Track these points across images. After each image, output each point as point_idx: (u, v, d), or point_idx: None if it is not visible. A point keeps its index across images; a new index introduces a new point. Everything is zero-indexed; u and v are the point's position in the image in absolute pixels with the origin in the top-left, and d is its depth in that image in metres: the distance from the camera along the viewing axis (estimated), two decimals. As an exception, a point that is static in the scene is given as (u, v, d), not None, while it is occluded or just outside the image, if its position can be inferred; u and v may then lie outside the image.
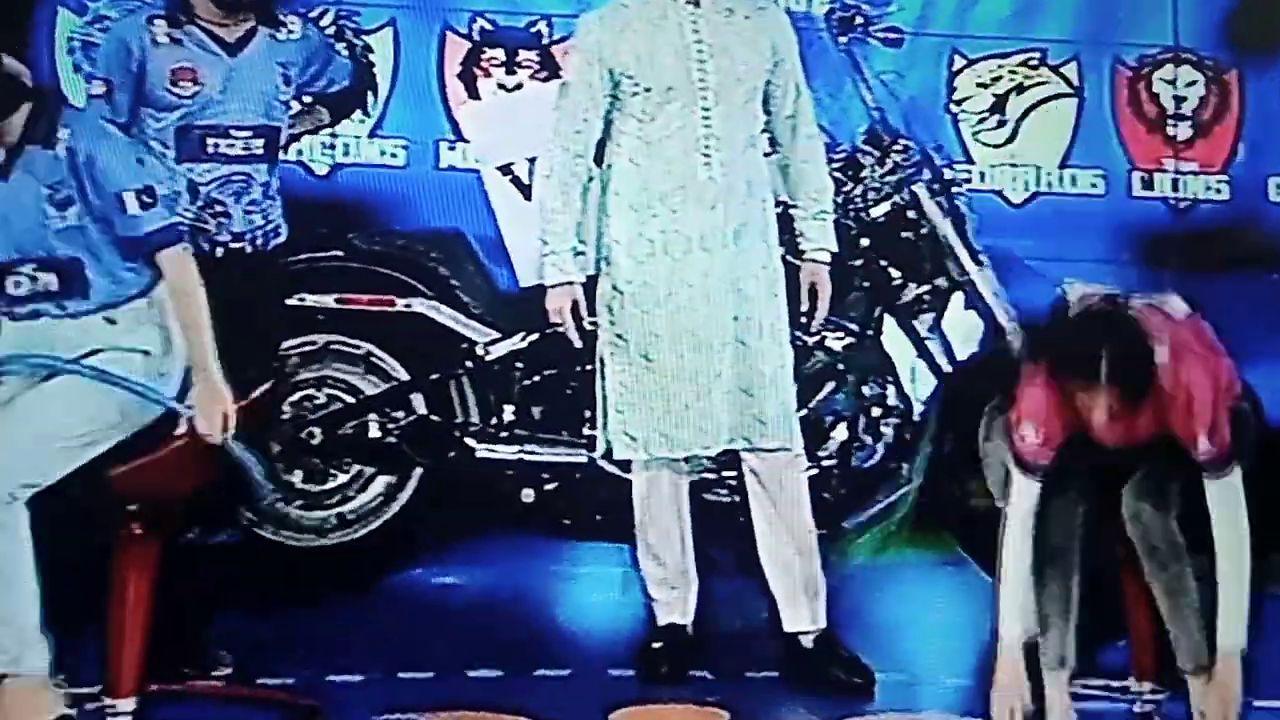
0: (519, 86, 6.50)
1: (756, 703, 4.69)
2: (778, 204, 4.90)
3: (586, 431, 5.33)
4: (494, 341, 5.55)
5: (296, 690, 4.59)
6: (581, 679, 4.81)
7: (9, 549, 3.99)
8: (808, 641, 4.82)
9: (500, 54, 6.54)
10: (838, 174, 5.37)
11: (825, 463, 5.45)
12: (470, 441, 5.52)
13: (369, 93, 5.43)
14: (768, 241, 4.82)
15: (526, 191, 5.58)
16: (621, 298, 4.78)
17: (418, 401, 5.55)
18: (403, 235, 5.83)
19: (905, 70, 5.99)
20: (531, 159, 5.45)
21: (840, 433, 5.49)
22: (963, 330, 5.58)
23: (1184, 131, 6.86)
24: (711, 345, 4.74)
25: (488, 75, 6.54)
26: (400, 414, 5.53)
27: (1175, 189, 6.84)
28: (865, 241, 5.52)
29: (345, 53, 5.38)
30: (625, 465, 4.95)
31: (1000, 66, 6.80)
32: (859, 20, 5.58)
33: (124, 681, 4.15)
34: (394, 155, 6.49)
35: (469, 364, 5.55)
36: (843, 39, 5.58)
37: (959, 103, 6.76)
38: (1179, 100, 6.86)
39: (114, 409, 4.12)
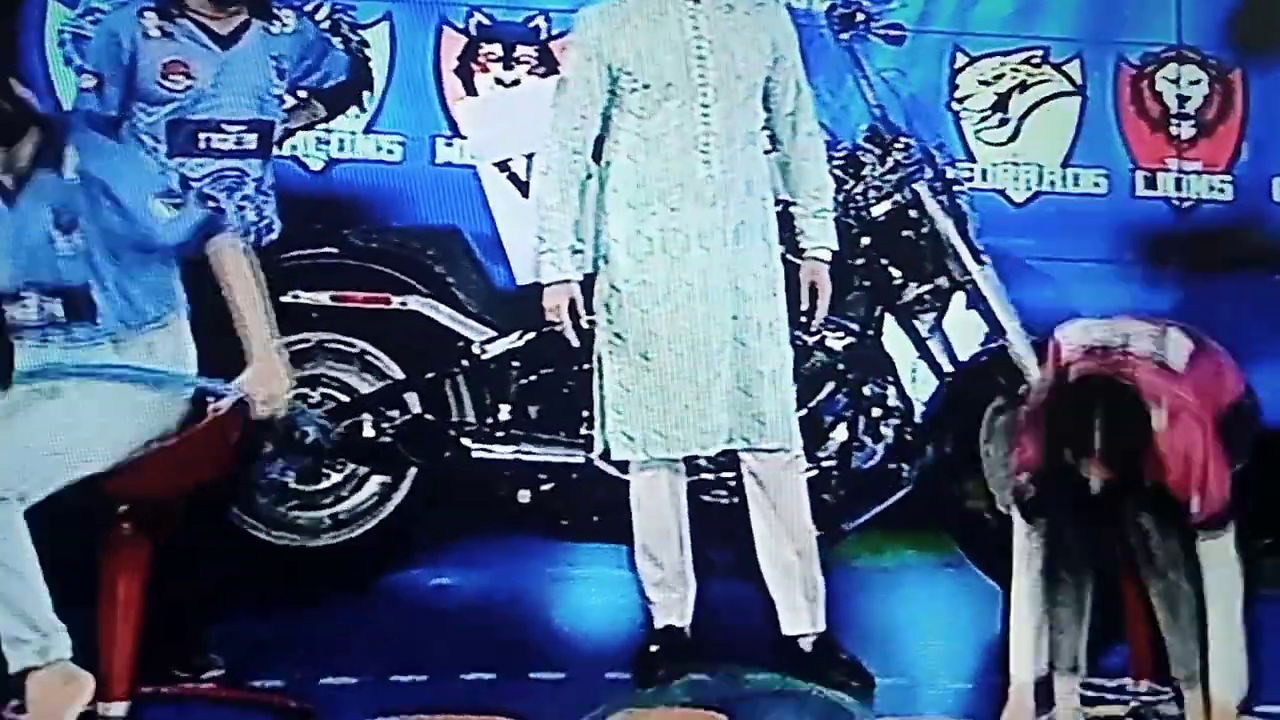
0: (516, 82, 6.48)
1: (755, 707, 4.66)
2: (778, 202, 4.89)
3: (584, 431, 5.31)
4: (490, 340, 5.53)
5: (289, 693, 4.56)
6: (577, 682, 4.78)
7: (24, 545, 3.99)
8: (807, 645, 4.80)
9: (498, 49, 6.53)
10: (838, 172, 5.37)
11: (825, 464, 5.43)
12: (466, 441, 5.49)
13: (365, 88, 5.41)
14: (767, 240, 4.80)
15: (524, 188, 5.58)
16: (619, 296, 4.76)
17: (413, 400, 5.53)
18: (398, 232, 5.83)
19: (907, 68, 5.99)
20: (529, 155, 5.47)
21: (840, 433, 5.48)
22: (964, 330, 5.56)
23: (1187, 131, 6.85)
24: (710, 344, 4.72)
25: (485, 70, 6.52)
26: (395, 413, 5.51)
27: (1178, 189, 6.83)
28: (866, 240, 5.51)
29: (341, 47, 5.37)
30: (623, 466, 4.92)
31: (1003, 64, 6.78)
32: (860, 17, 5.58)
33: (115, 686, 4.13)
34: (390, 151, 6.47)
35: (465, 363, 5.53)
36: (844, 36, 5.58)
37: (961, 101, 6.75)
38: (1182, 99, 6.85)
39: (130, 427, 4.12)
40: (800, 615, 4.79)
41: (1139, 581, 4.25)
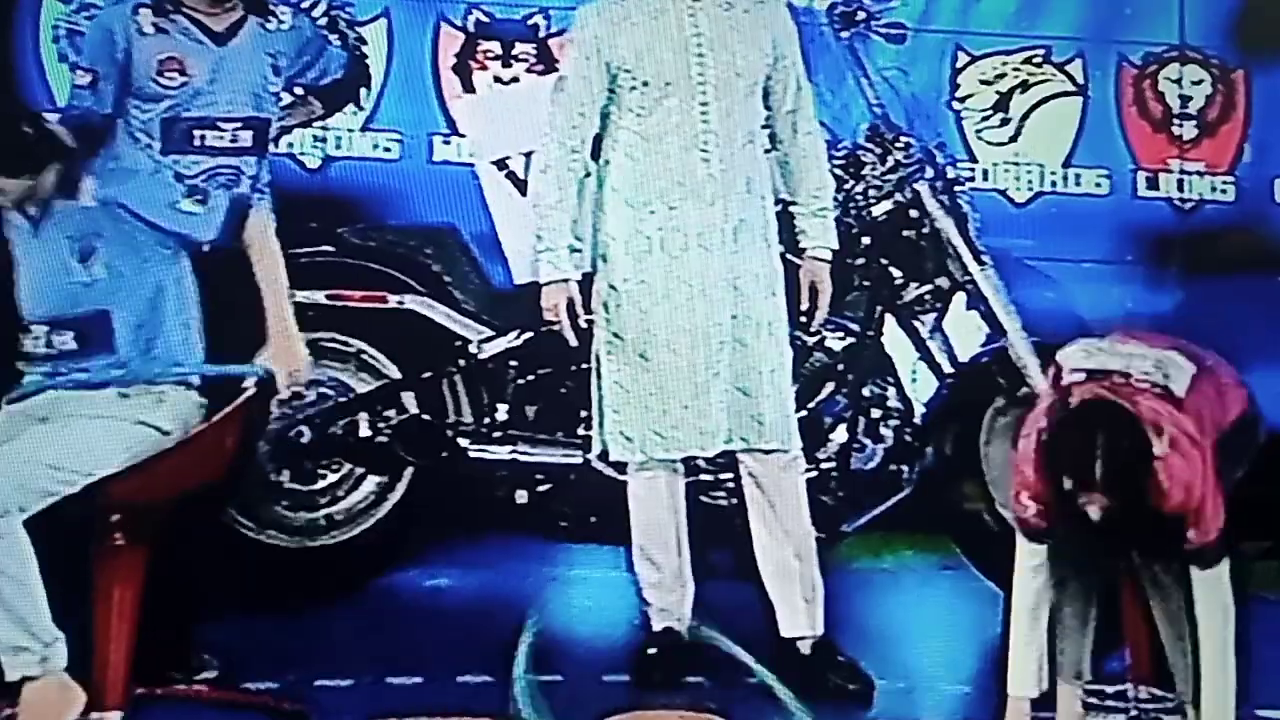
0: (515, 80, 6.46)
1: (752, 710, 4.63)
2: (777, 201, 4.88)
3: (581, 432, 5.30)
4: (488, 339, 5.51)
5: (283, 695, 4.56)
6: (574, 685, 4.76)
7: (24, 554, 4.01)
8: (805, 647, 4.79)
9: (496, 47, 6.51)
10: (839, 171, 5.36)
11: (824, 465, 5.41)
12: (463, 441, 5.48)
13: (362, 85, 5.40)
14: (767, 239, 4.80)
15: (522, 187, 5.57)
16: (618, 295, 4.74)
17: (409, 400, 5.51)
18: (395, 231, 5.80)
19: (908, 66, 5.96)
20: (527, 154, 5.48)
21: (839, 434, 5.47)
22: (964, 331, 5.55)
23: (1190, 131, 6.82)
24: (709, 344, 4.71)
25: (483, 68, 6.50)
26: (391, 413, 5.48)
27: (1180, 189, 6.80)
28: (866, 240, 5.50)
29: (338, 43, 5.36)
30: (621, 466, 4.91)
31: (1004, 63, 6.76)
32: (861, 15, 5.57)
33: (110, 694, 4.15)
34: (387, 149, 6.44)
35: (462, 362, 5.51)
36: (844, 34, 5.57)
37: (962, 100, 6.72)
38: (1185, 99, 6.83)
39: (122, 450, 4.14)
40: (799, 617, 4.78)
41: (1138, 588, 4.26)
